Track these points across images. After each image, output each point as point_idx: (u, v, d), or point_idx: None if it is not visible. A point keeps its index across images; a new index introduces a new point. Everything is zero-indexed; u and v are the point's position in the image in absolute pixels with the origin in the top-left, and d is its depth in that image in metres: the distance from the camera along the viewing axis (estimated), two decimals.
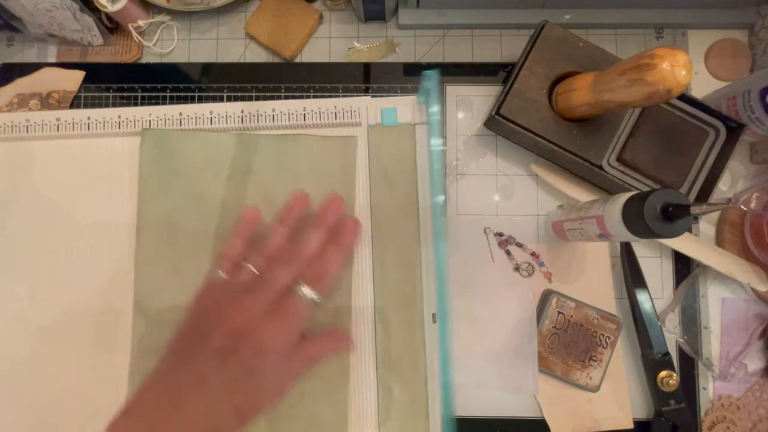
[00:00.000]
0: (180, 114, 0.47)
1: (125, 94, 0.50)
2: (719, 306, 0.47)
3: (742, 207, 0.45)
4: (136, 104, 0.49)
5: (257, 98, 0.49)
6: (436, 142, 0.43)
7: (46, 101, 0.49)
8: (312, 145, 0.46)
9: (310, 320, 0.41)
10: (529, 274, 0.47)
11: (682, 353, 0.46)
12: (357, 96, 0.49)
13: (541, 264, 0.47)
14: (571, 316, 0.45)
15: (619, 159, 0.45)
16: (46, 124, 0.47)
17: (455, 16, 0.50)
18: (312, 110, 0.47)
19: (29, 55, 0.52)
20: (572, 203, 0.45)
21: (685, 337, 0.46)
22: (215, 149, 0.46)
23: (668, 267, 0.47)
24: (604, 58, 0.44)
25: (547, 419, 0.44)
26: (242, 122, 0.46)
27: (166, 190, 0.45)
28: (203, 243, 0.44)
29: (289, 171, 0.45)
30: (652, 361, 0.43)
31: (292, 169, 0.45)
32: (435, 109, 0.43)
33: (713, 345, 0.46)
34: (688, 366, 0.46)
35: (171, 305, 0.44)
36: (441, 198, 0.42)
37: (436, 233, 0.42)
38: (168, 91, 0.50)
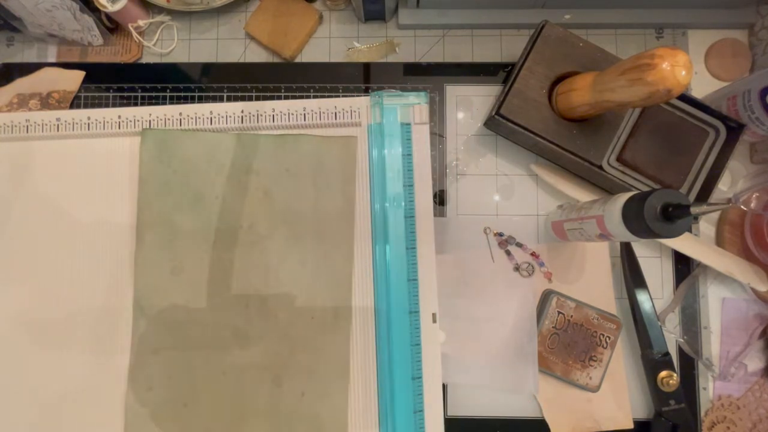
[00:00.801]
0: (180, 114, 0.47)
1: (125, 94, 0.50)
2: (719, 306, 0.47)
3: (742, 207, 0.45)
4: (136, 104, 0.49)
5: (257, 98, 0.49)
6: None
7: (46, 101, 0.49)
8: (312, 145, 0.46)
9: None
10: (529, 274, 0.46)
11: (682, 353, 0.46)
12: (357, 96, 0.49)
13: (541, 264, 0.47)
14: (571, 316, 0.45)
15: (619, 159, 0.45)
16: (46, 124, 0.47)
17: (455, 16, 0.50)
18: (312, 110, 0.47)
19: (29, 55, 0.52)
20: (572, 203, 0.45)
21: (685, 337, 0.46)
22: (215, 149, 0.46)
23: (668, 267, 0.47)
24: (604, 58, 0.44)
25: (547, 419, 0.44)
26: (242, 122, 0.46)
27: (166, 190, 0.45)
28: (203, 243, 0.44)
29: (289, 171, 0.45)
30: (652, 361, 0.43)
31: (292, 169, 0.45)
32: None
33: (713, 345, 0.46)
34: (688, 366, 0.46)
35: (171, 305, 0.44)
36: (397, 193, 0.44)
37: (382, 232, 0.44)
38: (168, 91, 0.50)
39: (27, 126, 0.47)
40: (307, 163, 0.46)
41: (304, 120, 0.46)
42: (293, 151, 0.46)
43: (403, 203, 0.45)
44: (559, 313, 0.45)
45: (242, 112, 0.47)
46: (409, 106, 0.46)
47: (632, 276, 0.45)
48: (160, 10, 0.51)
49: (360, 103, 0.47)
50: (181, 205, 0.45)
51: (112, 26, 0.51)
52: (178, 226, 0.44)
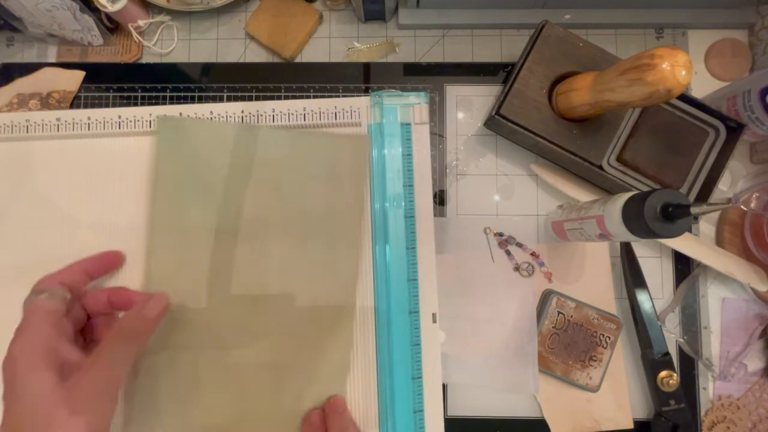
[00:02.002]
0: (180, 114, 0.46)
1: (125, 94, 0.50)
2: (719, 306, 0.47)
3: (742, 207, 0.45)
4: (136, 104, 0.49)
5: (257, 98, 0.49)
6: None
7: (46, 101, 0.49)
8: (325, 142, 0.46)
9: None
10: (529, 274, 0.47)
11: (682, 353, 0.46)
12: (357, 96, 0.49)
13: (541, 264, 0.47)
14: (571, 316, 0.45)
15: (619, 159, 0.45)
16: (46, 124, 0.47)
17: (455, 16, 0.50)
18: (312, 110, 0.46)
19: (29, 55, 0.52)
20: (572, 203, 0.45)
21: (685, 337, 0.46)
22: (228, 141, 0.45)
23: (668, 267, 0.47)
24: (604, 58, 0.44)
25: (547, 419, 0.44)
26: (242, 122, 0.46)
27: (182, 182, 0.44)
28: (209, 239, 0.44)
29: (302, 166, 0.45)
30: (652, 361, 0.43)
31: (306, 164, 0.45)
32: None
33: (713, 345, 0.46)
34: (688, 366, 0.46)
35: (179, 298, 0.43)
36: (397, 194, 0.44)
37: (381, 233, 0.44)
38: (168, 91, 0.50)
39: (27, 126, 0.47)
40: (320, 160, 0.45)
41: (304, 120, 0.46)
42: (306, 146, 0.45)
43: (403, 203, 0.45)
44: (559, 313, 0.45)
45: (242, 112, 0.46)
46: (409, 106, 0.46)
47: (632, 276, 0.45)
48: (160, 10, 0.51)
49: (360, 103, 0.47)
50: (190, 200, 0.44)
51: (112, 26, 0.51)
52: (186, 222, 0.44)
